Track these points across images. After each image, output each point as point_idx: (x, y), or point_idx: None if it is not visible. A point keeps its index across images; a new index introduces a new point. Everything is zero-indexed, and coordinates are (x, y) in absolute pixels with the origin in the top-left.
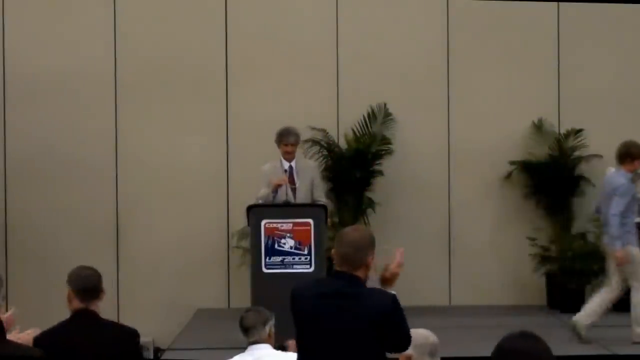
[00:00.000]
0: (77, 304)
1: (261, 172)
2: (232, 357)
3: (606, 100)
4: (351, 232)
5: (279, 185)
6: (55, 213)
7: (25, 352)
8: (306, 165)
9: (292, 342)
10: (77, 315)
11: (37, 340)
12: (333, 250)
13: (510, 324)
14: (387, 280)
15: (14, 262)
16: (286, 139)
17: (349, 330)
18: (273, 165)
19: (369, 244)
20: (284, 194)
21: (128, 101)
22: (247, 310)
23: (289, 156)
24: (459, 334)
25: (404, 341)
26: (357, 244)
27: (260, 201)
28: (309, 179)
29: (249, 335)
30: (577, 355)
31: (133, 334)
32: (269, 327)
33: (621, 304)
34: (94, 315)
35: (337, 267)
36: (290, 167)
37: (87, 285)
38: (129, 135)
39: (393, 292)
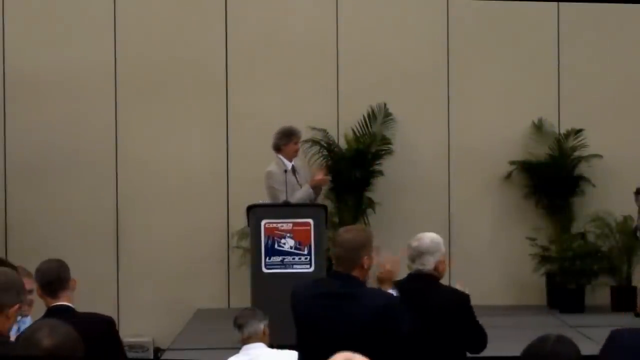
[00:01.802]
0: (50, 300)
1: (271, 175)
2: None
3: (606, 100)
4: (344, 233)
5: (323, 182)
6: (55, 213)
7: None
8: (299, 164)
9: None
10: (50, 312)
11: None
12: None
13: (510, 324)
14: (383, 279)
15: (13, 262)
16: (297, 137)
17: (345, 331)
18: (278, 165)
19: (363, 244)
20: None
21: (128, 100)
22: (243, 309)
23: (297, 154)
24: None
25: (402, 344)
26: (350, 244)
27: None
28: (305, 177)
29: (243, 330)
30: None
31: (109, 322)
32: (264, 326)
33: (622, 304)
34: (68, 309)
35: (334, 268)
36: (292, 166)
37: (49, 278)
38: (129, 135)
39: (391, 291)
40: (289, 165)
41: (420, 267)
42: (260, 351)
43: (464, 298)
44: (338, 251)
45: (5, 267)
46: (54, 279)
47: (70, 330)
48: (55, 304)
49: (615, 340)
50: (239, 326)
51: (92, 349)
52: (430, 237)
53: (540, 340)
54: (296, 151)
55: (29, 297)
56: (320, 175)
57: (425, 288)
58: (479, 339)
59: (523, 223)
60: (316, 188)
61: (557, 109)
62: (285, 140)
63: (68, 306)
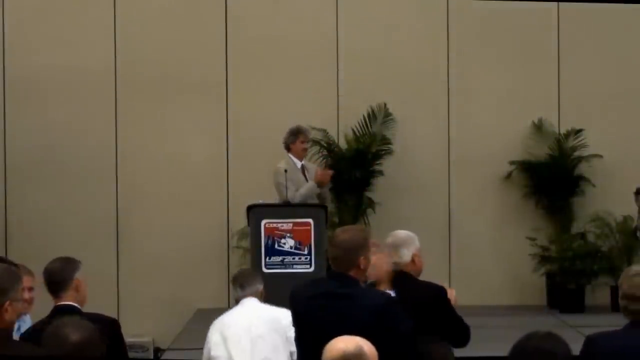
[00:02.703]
0: (55, 299)
1: (276, 171)
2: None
3: (606, 100)
4: (340, 233)
5: (328, 177)
6: (55, 212)
7: (31, 352)
8: (310, 164)
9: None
10: (56, 311)
11: (22, 340)
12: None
13: (510, 324)
14: (380, 279)
15: (14, 261)
16: (304, 136)
17: (344, 331)
18: (287, 163)
19: (360, 245)
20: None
21: (128, 101)
22: (242, 269)
23: (304, 153)
24: None
25: (402, 342)
26: (347, 245)
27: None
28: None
29: (245, 289)
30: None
31: (113, 323)
32: (262, 287)
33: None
34: (73, 309)
35: (332, 268)
36: (302, 165)
37: (53, 277)
38: (129, 135)
39: (388, 291)
40: (299, 164)
41: (398, 260)
42: (256, 304)
43: (440, 290)
44: (335, 252)
45: (6, 265)
46: (57, 278)
47: (91, 325)
48: (60, 303)
49: (591, 347)
50: (240, 285)
51: None
52: (404, 232)
53: (528, 337)
54: (304, 150)
55: (29, 295)
56: (323, 171)
57: (402, 284)
58: (462, 331)
59: (523, 223)
60: (321, 183)
61: (557, 109)
62: (292, 138)
63: (73, 306)
